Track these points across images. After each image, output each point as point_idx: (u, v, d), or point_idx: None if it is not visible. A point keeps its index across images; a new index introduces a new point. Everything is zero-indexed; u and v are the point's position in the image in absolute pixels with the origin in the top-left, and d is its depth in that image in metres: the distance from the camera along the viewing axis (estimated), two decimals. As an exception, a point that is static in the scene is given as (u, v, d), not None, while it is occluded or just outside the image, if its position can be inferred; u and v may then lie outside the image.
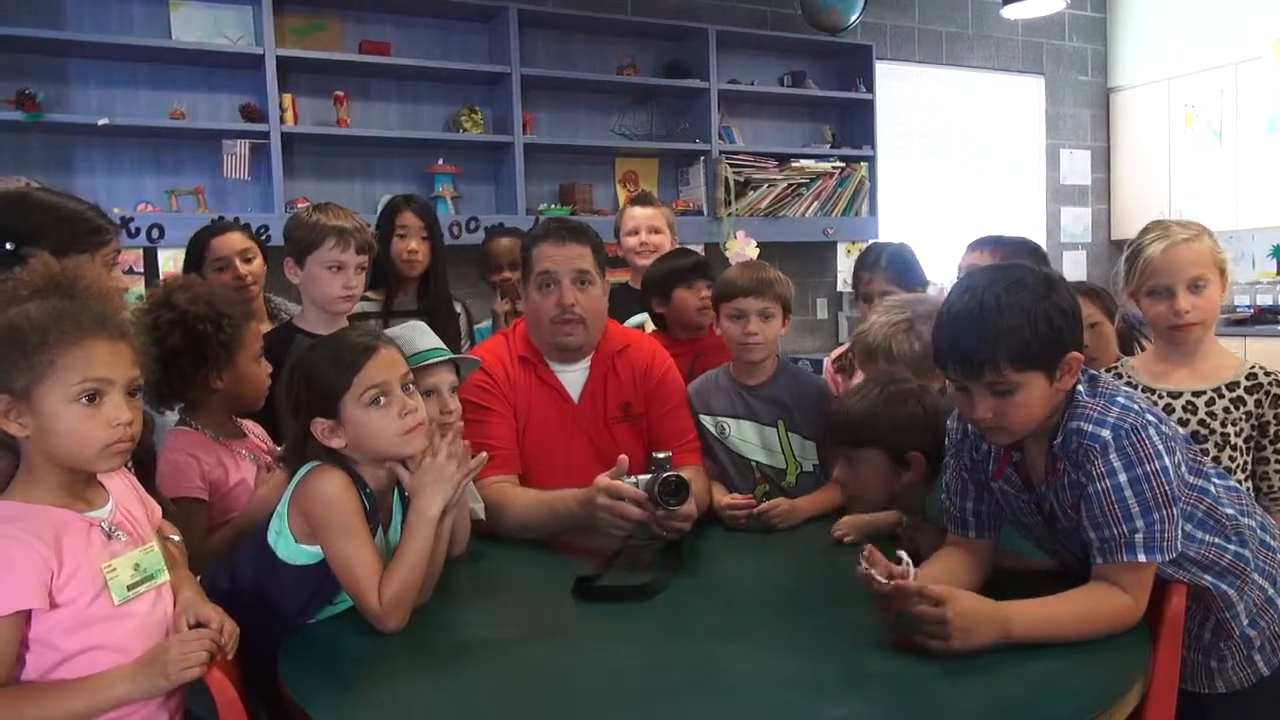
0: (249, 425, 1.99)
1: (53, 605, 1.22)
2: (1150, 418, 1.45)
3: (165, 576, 1.36)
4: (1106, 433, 1.42)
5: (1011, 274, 1.47)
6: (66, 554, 1.23)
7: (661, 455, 1.86)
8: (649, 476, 1.82)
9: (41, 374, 1.24)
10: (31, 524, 1.23)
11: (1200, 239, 1.90)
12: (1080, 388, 1.48)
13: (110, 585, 1.27)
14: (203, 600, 1.40)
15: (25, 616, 1.21)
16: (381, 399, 1.56)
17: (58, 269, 1.33)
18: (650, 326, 2.85)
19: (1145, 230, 1.96)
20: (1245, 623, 1.60)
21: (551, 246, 2.13)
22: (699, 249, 4.59)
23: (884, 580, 1.38)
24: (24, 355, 1.23)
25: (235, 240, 2.72)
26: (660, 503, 1.80)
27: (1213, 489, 1.59)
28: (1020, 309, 1.41)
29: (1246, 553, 1.58)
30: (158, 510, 1.46)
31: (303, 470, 1.56)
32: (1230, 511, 1.59)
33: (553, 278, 2.11)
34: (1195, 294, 1.87)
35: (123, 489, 1.39)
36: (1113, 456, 1.41)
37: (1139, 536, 1.40)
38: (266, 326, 2.59)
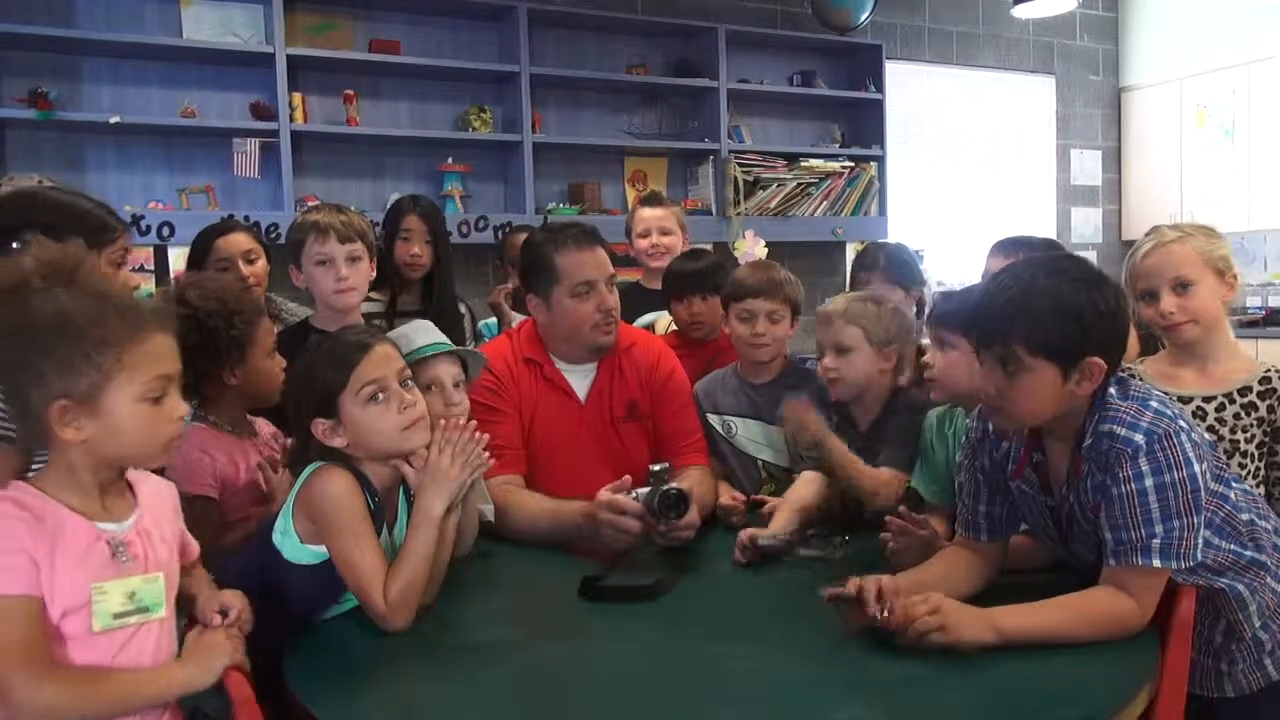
0: (260, 424, 2.00)
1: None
2: (1182, 424, 1.43)
3: (161, 614, 1.26)
4: (1140, 437, 1.40)
5: (1060, 263, 1.45)
6: (59, 558, 1.16)
7: (658, 467, 1.87)
8: (648, 490, 1.83)
9: (109, 374, 1.17)
10: (35, 519, 1.17)
11: (1187, 240, 1.88)
12: (1111, 390, 1.46)
13: (94, 608, 1.19)
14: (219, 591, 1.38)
15: (40, 606, 1.15)
16: (379, 395, 1.56)
17: (59, 253, 1.25)
18: (661, 325, 2.85)
19: (1145, 236, 1.96)
20: (1257, 625, 1.59)
21: (584, 253, 2.14)
22: (708, 249, 4.60)
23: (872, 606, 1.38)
24: (86, 354, 1.16)
25: (240, 241, 2.72)
26: (660, 516, 1.81)
27: (1232, 495, 1.57)
28: (1053, 294, 1.39)
29: (1263, 557, 1.57)
30: (195, 547, 1.43)
31: (307, 471, 1.56)
32: (1246, 517, 1.58)
33: (592, 285, 2.13)
34: (1180, 294, 1.86)
35: (162, 509, 1.33)
36: (1143, 461, 1.39)
37: (1156, 542, 1.39)
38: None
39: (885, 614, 1.36)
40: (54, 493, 1.21)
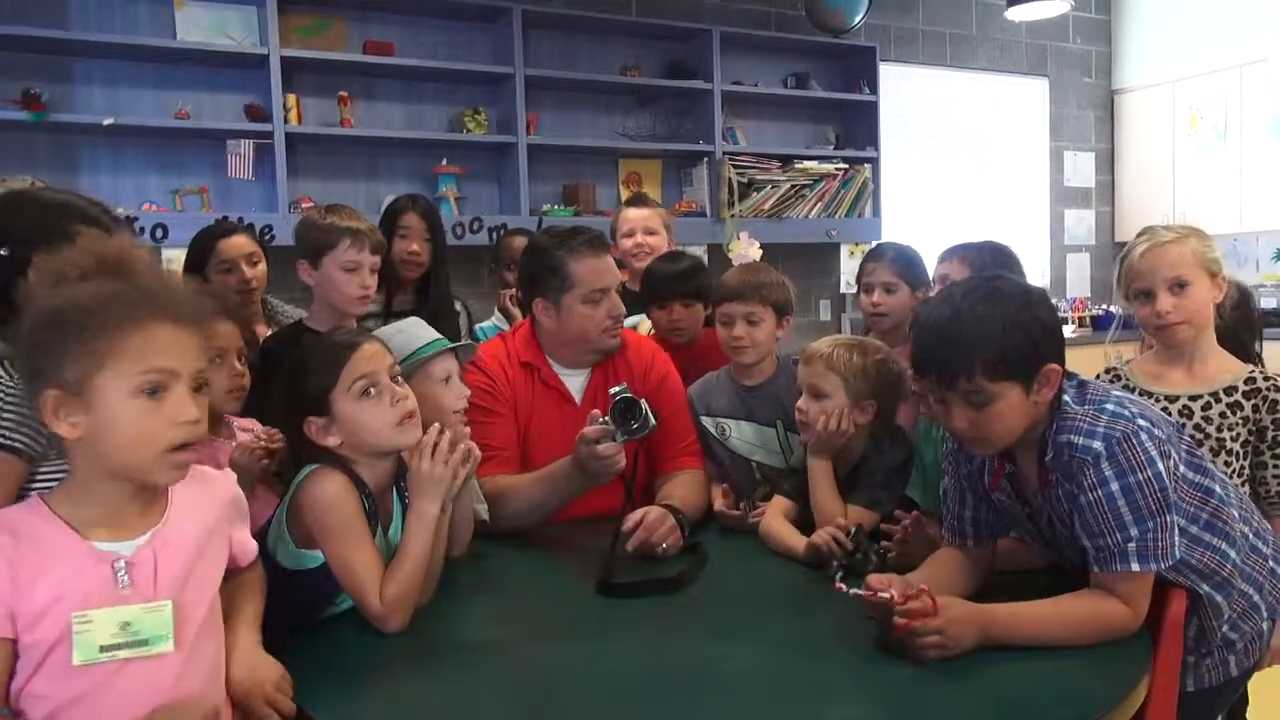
0: (248, 422, 1.97)
1: (15, 639, 1.08)
2: (1142, 422, 1.43)
3: (165, 648, 1.14)
4: (1098, 444, 1.40)
5: (990, 284, 1.46)
6: (40, 584, 1.07)
7: (615, 390, 1.90)
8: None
9: (99, 361, 1.09)
10: (14, 541, 1.09)
11: (1183, 240, 1.89)
12: (1067, 397, 1.46)
13: (75, 639, 1.08)
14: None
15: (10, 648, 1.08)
16: (371, 390, 1.56)
17: (108, 248, 1.17)
18: (645, 327, 2.84)
19: (1137, 236, 1.97)
20: (1228, 628, 1.60)
21: (599, 260, 2.16)
22: (702, 250, 4.60)
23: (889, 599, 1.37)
24: (74, 341, 1.09)
25: (242, 243, 2.71)
26: (620, 427, 1.84)
27: (1218, 488, 1.58)
28: (997, 319, 1.40)
29: (1237, 557, 1.58)
30: (249, 549, 1.37)
31: (300, 474, 1.56)
32: (1235, 512, 1.59)
33: (606, 292, 2.16)
34: (1176, 294, 1.87)
35: (204, 516, 1.24)
36: (1105, 466, 1.40)
37: (1133, 545, 1.39)
38: (264, 330, 2.60)
39: (891, 635, 1.36)
40: (62, 506, 1.14)
